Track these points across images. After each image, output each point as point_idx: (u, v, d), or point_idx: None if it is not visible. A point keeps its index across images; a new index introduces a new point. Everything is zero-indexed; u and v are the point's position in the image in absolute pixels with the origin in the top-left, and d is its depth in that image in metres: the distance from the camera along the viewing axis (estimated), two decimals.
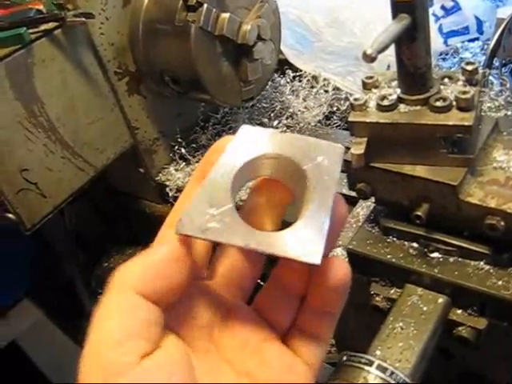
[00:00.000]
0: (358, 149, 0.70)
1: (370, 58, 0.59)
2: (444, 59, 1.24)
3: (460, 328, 0.72)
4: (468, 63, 0.70)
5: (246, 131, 0.44)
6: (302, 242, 0.38)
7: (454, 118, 0.67)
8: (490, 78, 1.11)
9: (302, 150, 0.43)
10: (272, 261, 0.44)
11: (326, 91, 1.21)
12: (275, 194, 0.45)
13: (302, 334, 0.43)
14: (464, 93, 0.67)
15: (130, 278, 0.37)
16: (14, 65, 0.92)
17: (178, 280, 0.38)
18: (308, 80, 1.24)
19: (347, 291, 0.43)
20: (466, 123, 0.66)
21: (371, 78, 0.75)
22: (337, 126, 1.20)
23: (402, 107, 0.70)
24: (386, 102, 0.71)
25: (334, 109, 1.21)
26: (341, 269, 0.41)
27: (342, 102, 1.20)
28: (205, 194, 0.39)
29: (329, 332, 0.44)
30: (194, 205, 0.39)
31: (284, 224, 0.44)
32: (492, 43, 1.16)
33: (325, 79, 1.21)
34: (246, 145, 0.43)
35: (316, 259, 0.38)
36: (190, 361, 0.38)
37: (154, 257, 0.38)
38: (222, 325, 0.42)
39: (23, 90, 0.94)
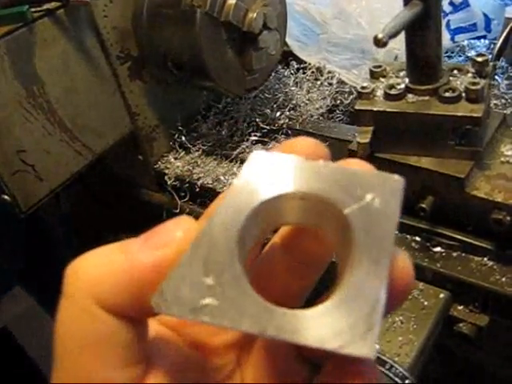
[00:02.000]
0: (364, 138, 0.69)
1: (381, 43, 0.58)
2: (450, 57, 1.23)
3: (461, 324, 0.71)
4: (479, 55, 0.69)
5: (260, 158, 0.30)
6: (345, 327, 0.25)
7: (463, 109, 0.66)
8: (496, 77, 1.10)
9: (341, 184, 0.29)
10: None
11: (330, 84, 1.20)
12: (306, 250, 0.33)
13: None
14: (474, 84, 0.66)
15: (95, 284, 0.26)
16: (15, 43, 0.90)
17: None
18: (312, 72, 1.22)
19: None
20: (475, 114, 0.65)
21: (379, 67, 0.74)
22: (340, 120, 1.19)
23: (410, 97, 0.69)
24: (393, 91, 0.69)
25: (338, 102, 1.19)
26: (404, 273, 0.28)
27: (346, 95, 1.19)
28: (199, 253, 0.27)
29: None
30: (183, 270, 0.26)
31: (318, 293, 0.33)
32: (499, 42, 1.15)
33: (329, 72, 1.20)
34: (260, 179, 0.29)
35: (368, 351, 0.24)
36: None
37: (139, 261, 0.26)
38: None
39: (23, 70, 0.92)
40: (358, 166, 0.30)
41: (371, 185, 0.29)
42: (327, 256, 0.33)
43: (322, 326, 0.25)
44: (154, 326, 0.31)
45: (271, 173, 0.30)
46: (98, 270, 0.26)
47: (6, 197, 0.94)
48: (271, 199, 0.29)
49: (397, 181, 0.29)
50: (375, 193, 0.29)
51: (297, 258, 0.33)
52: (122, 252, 0.26)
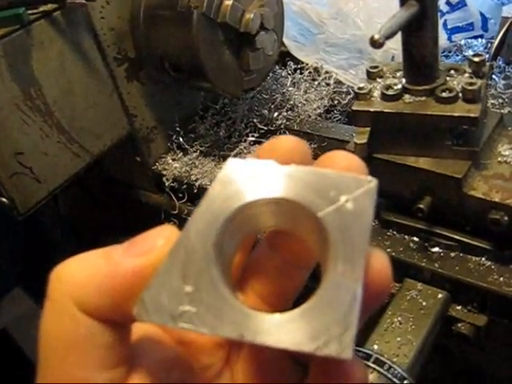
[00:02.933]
0: (361, 138, 0.69)
1: (377, 43, 0.58)
2: (447, 56, 1.22)
3: (459, 324, 0.71)
4: (475, 55, 0.69)
5: (235, 165, 0.30)
6: (322, 328, 0.26)
7: (460, 110, 0.66)
8: (493, 76, 1.10)
9: (314, 188, 0.29)
10: None
11: (328, 84, 1.20)
12: (291, 251, 0.33)
13: None
14: (471, 84, 0.66)
15: (78, 289, 0.26)
16: (12, 45, 0.90)
17: None
18: (310, 72, 1.22)
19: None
20: (472, 115, 0.65)
21: (376, 67, 0.74)
22: (337, 120, 1.19)
23: (407, 97, 0.69)
24: (390, 92, 0.69)
25: (335, 102, 1.19)
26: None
27: (344, 95, 1.19)
28: (177, 261, 0.27)
29: None
30: (162, 278, 0.26)
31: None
32: (496, 42, 1.15)
33: (327, 72, 1.20)
34: (235, 186, 0.29)
35: (344, 351, 0.25)
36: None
37: (122, 267, 0.26)
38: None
39: (20, 72, 0.92)
40: (344, 158, 0.30)
41: (345, 187, 0.29)
42: (311, 257, 0.33)
43: (299, 329, 0.25)
44: (144, 325, 0.31)
45: (246, 179, 0.30)
46: (79, 274, 0.27)
47: (3, 199, 0.94)
48: (246, 205, 0.29)
49: (370, 182, 0.29)
50: (349, 195, 0.28)
51: (284, 257, 0.33)
52: (104, 257, 0.27)
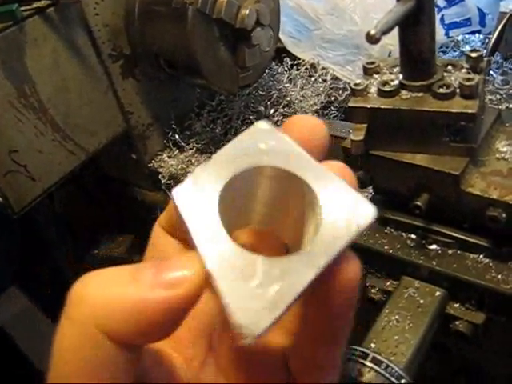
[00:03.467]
0: (358, 135, 0.68)
1: (373, 39, 0.57)
2: (444, 52, 1.22)
3: (457, 322, 0.70)
4: (473, 50, 0.68)
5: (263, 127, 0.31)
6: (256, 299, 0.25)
7: (458, 106, 0.65)
8: (491, 72, 1.10)
9: (315, 176, 0.29)
10: None
11: (325, 80, 1.19)
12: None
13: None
14: (468, 80, 0.65)
15: (104, 315, 0.25)
16: (5, 42, 0.89)
17: (171, 332, 0.27)
18: (306, 69, 1.21)
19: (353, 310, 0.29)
20: (470, 111, 0.64)
21: (372, 63, 0.73)
22: (334, 117, 1.18)
23: (404, 93, 0.69)
24: (387, 88, 0.69)
25: (332, 99, 1.19)
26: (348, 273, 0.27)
27: (340, 91, 1.18)
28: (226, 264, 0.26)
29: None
30: (232, 290, 0.25)
31: None
32: (494, 37, 1.14)
33: (323, 68, 1.19)
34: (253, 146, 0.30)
35: (251, 333, 0.24)
36: None
37: (152, 298, 0.25)
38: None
39: (14, 69, 0.91)
40: (338, 169, 0.30)
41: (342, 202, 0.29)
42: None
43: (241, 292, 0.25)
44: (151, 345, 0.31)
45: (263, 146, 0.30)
46: (105, 298, 0.26)
47: None
48: (255, 168, 0.30)
49: (369, 212, 0.28)
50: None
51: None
52: (133, 283, 0.26)
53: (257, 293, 0.25)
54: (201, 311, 0.33)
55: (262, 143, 0.30)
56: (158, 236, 0.34)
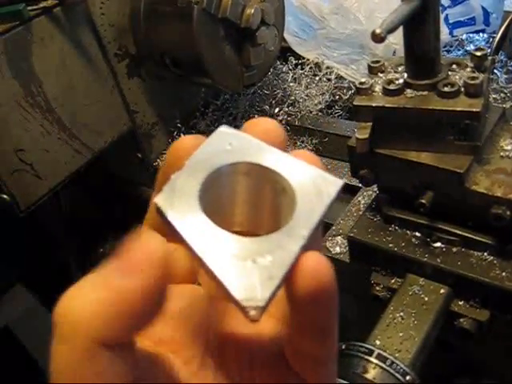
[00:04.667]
0: (363, 133, 0.69)
1: (379, 38, 0.57)
2: (448, 51, 1.22)
3: (462, 320, 0.71)
4: (477, 49, 0.69)
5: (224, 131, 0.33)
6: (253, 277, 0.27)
7: (462, 104, 0.65)
8: (495, 71, 1.10)
9: (288, 166, 0.32)
10: None
11: (329, 79, 1.20)
12: None
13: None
14: (473, 78, 0.66)
15: (95, 323, 0.26)
16: (12, 41, 0.89)
17: (153, 315, 0.28)
18: (311, 68, 1.22)
19: (331, 301, 0.30)
20: (475, 109, 0.64)
21: (377, 62, 0.73)
22: (338, 116, 1.19)
23: (409, 92, 0.69)
24: (392, 87, 0.69)
25: (337, 98, 1.19)
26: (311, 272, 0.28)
27: (345, 91, 1.19)
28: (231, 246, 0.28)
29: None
30: (229, 272, 0.27)
31: None
32: (498, 36, 1.14)
33: (328, 67, 1.19)
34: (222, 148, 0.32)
35: (256, 306, 0.26)
36: None
37: (121, 291, 0.26)
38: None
39: (21, 69, 0.92)
40: (305, 157, 0.32)
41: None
42: None
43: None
44: (145, 346, 0.31)
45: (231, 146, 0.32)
46: (87, 308, 0.26)
47: (4, 196, 0.94)
48: (229, 165, 0.32)
49: (336, 182, 0.31)
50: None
51: None
52: (101, 284, 0.26)
53: (252, 268, 0.27)
54: (195, 312, 0.34)
55: (228, 144, 0.32)
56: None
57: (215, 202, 0.32)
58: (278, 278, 0.27)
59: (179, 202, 0.29)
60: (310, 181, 0.31)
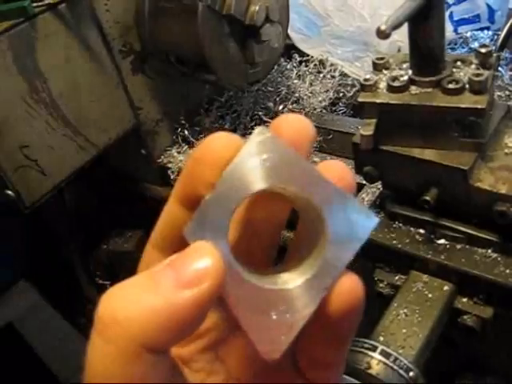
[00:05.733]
0: (368, 130, 0.69)
1: (383, 34, 0.57)
2: (453, 49, 1.22)
3: (465, 316, 0.71)
4: (482, 46, 0.69)
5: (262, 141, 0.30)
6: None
7: (467, 101, 0.65)
8: (500, 68, 1.10)
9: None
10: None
11: (333, 77, 1.19)
12: (265, 208, 0.34)
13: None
14: (477, 75, 0.66)
15: (141, 326, 0.26)
16: (17, 38, 0.90)
17: (199, 326, 0.28)
18: (315, 65, 1.22)
19: (359, 317, 0.31)
20: (479, 106, 0.64)
21: (382, 59, 0.73)
22: (343, 113, 1.19)
23: (414, 89, 0.69)
24: (397, 83, 0.69)
25: (341, 95, 1.19)
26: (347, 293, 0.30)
27: (349, 88, 1.18)
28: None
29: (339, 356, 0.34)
30: (254, 324, 0.29)
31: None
32: (503, 33, 1.14)
33: (332, 64, 1.19)
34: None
35: (273, 356, 0.29)
36: None
37: (175, 303, 0.26)
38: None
39: (26, 65, 0.92)
40: (337, 170, 0.31)
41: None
42: (285, 212, 0.35)
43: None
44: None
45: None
46: (136, 313, 0.26)
47: (9, 192, 0.94)
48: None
49: (370, 223, 0.31)
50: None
51: (257, 216, 0.34)
52: (156, 292, 0.27)
53: (273, 323, 0.29)
54: (205, 329, 0.34)
55: (263, 158, 0.29)
56: (151, 254, 0.34)
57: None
58: (294, 333, 0.29)
59: (210, 236, 0.28)
60: (345, 218, 0.30)
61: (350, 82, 1.20)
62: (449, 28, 1.16)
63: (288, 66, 1.25)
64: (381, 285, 0.77)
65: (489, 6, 1.16)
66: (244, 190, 0.29)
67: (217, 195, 0.29)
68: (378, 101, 0.69)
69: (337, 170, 0.31)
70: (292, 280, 0.30)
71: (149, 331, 0.26)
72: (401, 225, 0.76)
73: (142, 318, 0.26)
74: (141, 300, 0.26)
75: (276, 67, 1.20)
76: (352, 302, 0.30)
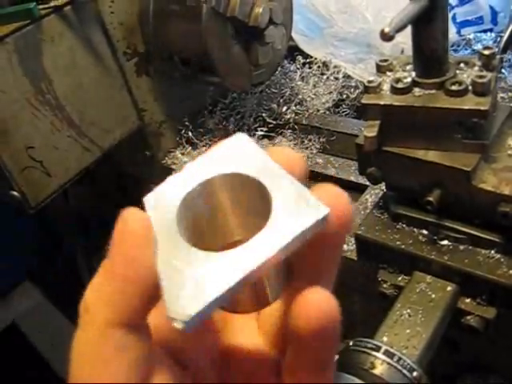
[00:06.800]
0: (371, 131, 0.69)
1: (387, 37, 0.58)
2: (455, 51, 1.22)
3: (468, 317, 0.71)
4: (485, 48, 0.69)
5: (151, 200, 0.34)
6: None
7: (470, 103, 0.66)
8: (503, 70, 1.10)
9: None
10: None
11: (337, 78, 1.20)
12: None
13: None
14: (480, 77, 0.66)
15: (101, 312, 0.29)
16: (23, 40, 0.90)
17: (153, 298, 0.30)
18: (318, 67, 1.22)
19: (334, 338, 0.30)
20: (482, 108, 0.65)
21: (385, 60, 0.74)
22: (346, 115, 1.19)
23: (417, 90, 0.69)
24: (400, 85, 0.69)
25: (344, 97, 1.19)
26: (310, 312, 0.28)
27: (352, 89, 1.19)
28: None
29: None
30: (170, 278, 0.29)
31: None
32: (506, 35, 1.14)
33: (335, 66, 1.20)
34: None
35: (179, 319, 0.27)
36: None
37: (115, 277, 0.30)
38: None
39: (31, 67, 0.92)
40: (331, 193, 0.31)
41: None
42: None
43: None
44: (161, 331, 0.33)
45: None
46: (99, 300, 0.30)
47: (14, 193, 0.95)
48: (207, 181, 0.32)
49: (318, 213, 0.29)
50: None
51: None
52: (106, 277, 0.30)
53: (190, 284, 0.28)
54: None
55: (232, 153, 0.32)
56: None
57: (203, 214, 0.33)
58: (206, 302, 0.27)
59: (163, 205, 0.32)
60: (294, 207, 0.29)
61: (353, 84, 1.20)
62: (452, 30, 1.17)
63: (291, 68, 1.26)
64: (384, 285, 0.77)
65: (492, 8, 1.17)
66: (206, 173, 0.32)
67: (183, 173, 0.33)
68: (381, 102, 0.69)
69: (331, 195, 0.31)
70: (223, 254, 0.29)
71: (107, 311, 0.29)
72: (404, 225, 0.77)
73: (99, 300, 0.30)
74: (98, 287, 0.30)
75: (279, 69, 1.21)
76: (321, 321, 0.28)
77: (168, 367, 0.32)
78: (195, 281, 0.28)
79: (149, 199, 0.34)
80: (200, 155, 0.33)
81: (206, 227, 0.33)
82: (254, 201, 0.32)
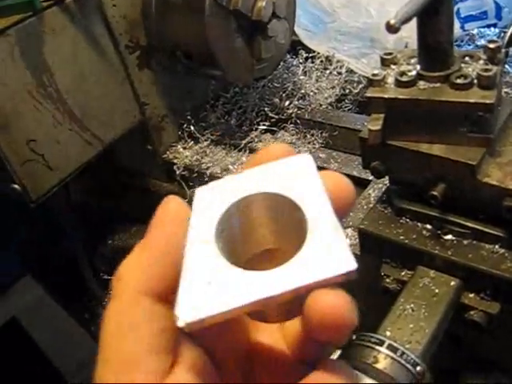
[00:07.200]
0: (375, 125, 0.69)
1: (393, 28, 0.57)
2: (459, 46, 1.22)
3: (472, 312, 0.70)
4: (491, 41, 0.69)
5: (201, 194, 0.35)
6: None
7: (475, 96, 0.65)
8: (506, 66, 1.10)
9: (273, 180, 0.34)
10: None
11: (339, 73, 1.20)
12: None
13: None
14: (486, 70, 0.66)
15: (135, 279, 0.31)
16: (25, 32, 0.90)
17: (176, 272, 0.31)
18: (321, 61, 1.22)
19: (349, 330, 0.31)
20: (488, 101, 0.64)
21: (390, 54, 0.73)
22: (348, 109, 1.19)
23: (422, 84, 0.69)
24: (405, 78, 0.69)
25: (347, 91, 1.19)
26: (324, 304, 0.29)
27: (355, 84, 1.19)
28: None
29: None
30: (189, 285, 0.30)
31: None
32: (510, 30, 1.14)
33: (338, 61, 1.19)
34: (213, 202, 0.34)
35: (349, 265, 0.28)
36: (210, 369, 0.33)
37: (152, 248, 0.32)
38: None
39: (33, 59, 0.92)
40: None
41: (290, 169, 0.34)
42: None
43: (306, 265, 0.29)
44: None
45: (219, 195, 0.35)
46: (132, 269, 0.32)
47: (16, 186, 0.94)
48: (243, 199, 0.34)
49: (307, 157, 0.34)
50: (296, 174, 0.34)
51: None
52: (143, 249, 0.32)
53: (202, 290, 0.29)
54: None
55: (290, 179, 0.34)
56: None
57: (238, 227, 0.34)
58: (210, 313, 0.28)
59: (211, 200, 0.34)
60: (328, 248, 0.29)
61: (356, 79, 1.20)
62: (456, 25, 1.16)
63: (294, 62, 1.25)
64: (388, 280, 0.76)
65: (496, 3, 1.16)
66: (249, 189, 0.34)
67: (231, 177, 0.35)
68: (386, 96, 0.69)
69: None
70: (244, 273, 0.30)
71: (142, 277, 0.31)
72: (408, 220, 0.76)
73: (133, 270, 0.32)
74: (131, 258, 0.32)
75: (282, 63, 1.21)
76: (336, 320, 0.29)
77: (205, 362, 0.32)
78: (209, 289, 0.29)
79: (199, 192, 0.35)
80: (262, 164, 0.35)
81: (240, 235, 0.34)
82: (291, 219, 0.33)
